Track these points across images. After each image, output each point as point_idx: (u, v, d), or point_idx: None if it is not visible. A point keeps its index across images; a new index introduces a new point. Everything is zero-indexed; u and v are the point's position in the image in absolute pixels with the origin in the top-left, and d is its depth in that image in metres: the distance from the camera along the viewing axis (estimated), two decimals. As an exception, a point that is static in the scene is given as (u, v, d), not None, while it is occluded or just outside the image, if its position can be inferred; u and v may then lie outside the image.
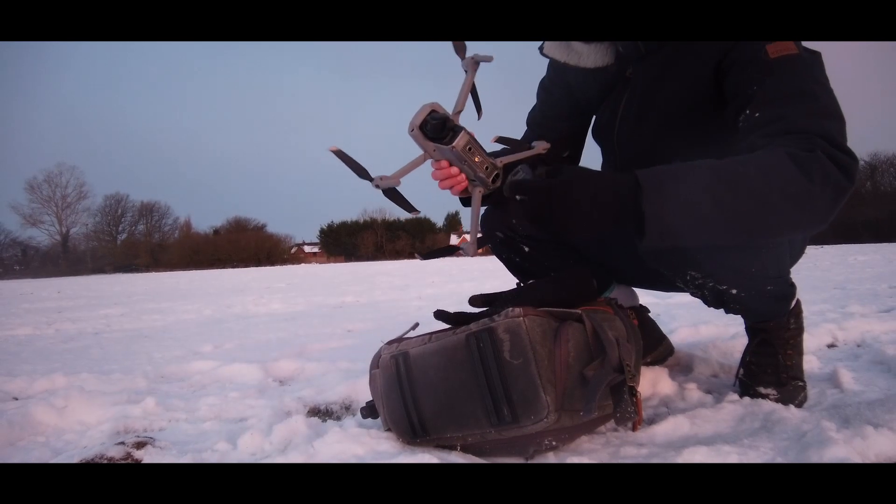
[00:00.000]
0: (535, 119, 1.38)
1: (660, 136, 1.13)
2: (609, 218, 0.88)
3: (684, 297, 1.21)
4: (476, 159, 1.04)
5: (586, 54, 1.18)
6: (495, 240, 1.34)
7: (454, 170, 1.05)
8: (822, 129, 0.90)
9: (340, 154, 1.00)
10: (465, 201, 1.21)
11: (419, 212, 1.07)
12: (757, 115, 0.96)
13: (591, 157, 1.39)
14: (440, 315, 1.02)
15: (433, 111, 1.00)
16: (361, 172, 1.00)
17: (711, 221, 0.86)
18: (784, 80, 0.95)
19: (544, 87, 1.36)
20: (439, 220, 60.43)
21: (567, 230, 0.90)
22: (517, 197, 0.93)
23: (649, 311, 1.53)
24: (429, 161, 1.05)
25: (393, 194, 1.02)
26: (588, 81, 1.25)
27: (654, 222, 0.85)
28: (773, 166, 0.86)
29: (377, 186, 1.00)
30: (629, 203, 0.86)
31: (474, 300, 1.02)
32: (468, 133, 1.02)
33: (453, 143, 1.00)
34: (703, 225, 0.87)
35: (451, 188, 1.09)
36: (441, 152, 1.03)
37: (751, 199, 0.86)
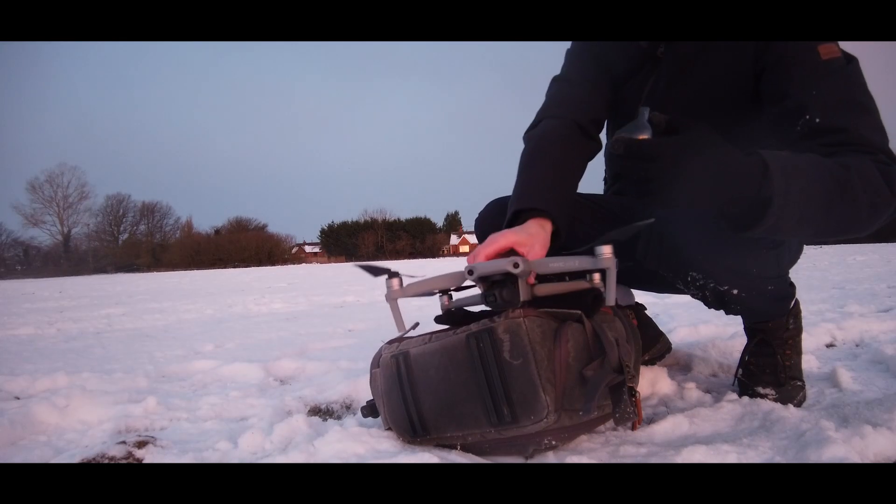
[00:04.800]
0: (576, 75, 1.25)
1: None
2: (729, 197, 0.82)
3: (683, 297, 1.21)
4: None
5: None
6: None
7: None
8: (883, 144, 0.91)
9: (364, 266, 1.10)
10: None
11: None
12: (817, 121, 0.94)
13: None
14: (441, 319, 1.03)
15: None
16: (380, 271, 1.07)
17: (816, 219, 0.85)
18: (841, 88, 0.94)
19: (575, 54, 1.28)
20: (439, 221, 60.48)
21: (677, 201, 0.82)
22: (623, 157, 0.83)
23: (646, 309, 1.53)
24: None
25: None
26: (618, 56, 1.20)
27: (776, 212, 0.81)
28: (869, 174, 0.87)
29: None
30: (756, 187, 0.81)
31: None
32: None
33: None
34: (809, 222, 0.85)
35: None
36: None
37: (851, 204, 0.86)
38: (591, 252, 0.93)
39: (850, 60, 0.97)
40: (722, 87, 1.07)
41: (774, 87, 1.00)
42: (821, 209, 0.84)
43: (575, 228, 1.18)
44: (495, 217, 1.30)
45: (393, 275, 1.06)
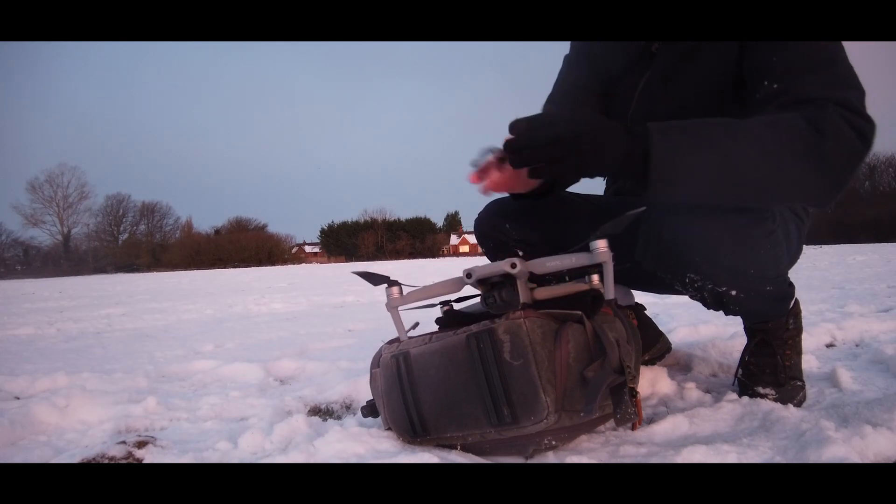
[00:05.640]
0: (562, 91, 1.31)
1: (676, 117, 1.13)
2: (614, 155, 0.86)
3: (683, 297, 1.21)
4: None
5: None
6: (488, 245, 1.34)
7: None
8: (838, 97, 0.90)
9: (363, 275, 1.11)
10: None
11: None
12: (775, 86, 0.96)
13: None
14: (441, 321, 1.03)
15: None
16: (381, 280, 1.07)
17: (716, 174, 0.87)
18: (803, 52, 0.95)
19: (570, 60, 1.33)
20: (439, 221, 60.51)
21: (570, 168, 0.86)
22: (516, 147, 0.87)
23: (645, 309, 1.53)
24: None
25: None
26: (614, 55, 1.22)
27: (658, 165, 0.85)
28: (785, 122, 0.87)
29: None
30: (636, 143, 0.86)
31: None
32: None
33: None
34: (708, 177, 0.87)
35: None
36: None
37: (758, 152, 0.86)
38: (586, 248, 0.94)
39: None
40: (715, 79, 1.08)
41: (752, 65, 1.02)
42: (719, 159, 0.86)
43: (575, 229, 1.18)
44: (494, 217, 1.30)
45: (393, 283, 1.06)
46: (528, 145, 0.85)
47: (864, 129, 0.88)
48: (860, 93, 0.92)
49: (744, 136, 0.87)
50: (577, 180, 1.03)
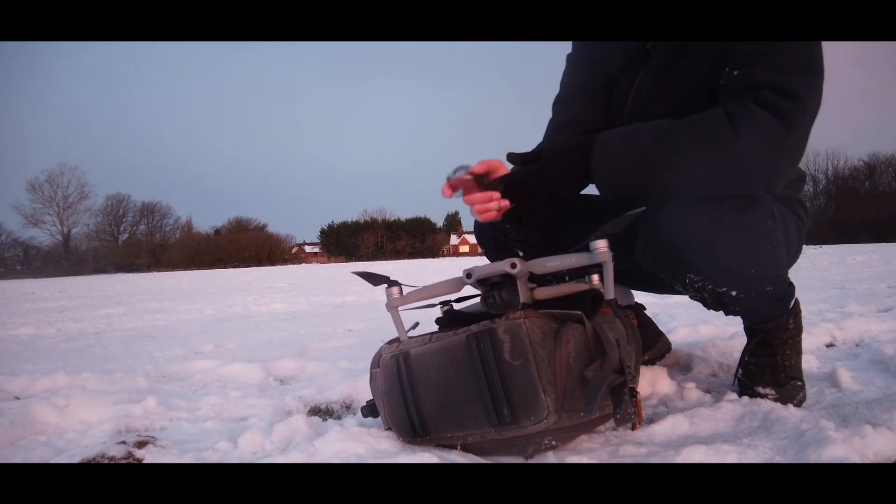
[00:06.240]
0: (567, 91, 1.34)
1: (669, 115, 1.13)
2: (572, 179, 1.04)
3: (683, 297, 1.21)
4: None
5: None
6: (488, 246, 1.34)
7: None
8: (772, 81, 0.93)
9: (363, 275, 1.13)
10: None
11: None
12: (735, 72, 1.00)
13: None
14: (441, 321, 1.03)
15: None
16: (381, 280, 1.08)
17: (640, 172, 0.97)
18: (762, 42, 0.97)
19: (573, 60, 1.35)
20: (439, 221, 60.52)
21: (546, 203, 1.03)
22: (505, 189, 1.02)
23: (645, 309, 1.53)
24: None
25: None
26: (612, 55, 1.23)
27: (596, 169, 1.00)
28: (703, 119, 0.95)
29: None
30: (584, 162, 1.01)
31: None
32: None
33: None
34: (636, 176, 0.98)
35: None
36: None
37: (675, 151, 0.94)
38: (586, 248, 0.94)
39: None
40: (709, 76, 1.08)
41: (724, 59, 1.04)
42: (641, 156, 0.97)
43: (575, 229, 1.18)
44: (488, 223, 1.30)
45: (393, 283, 1.06)
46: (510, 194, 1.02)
47: (787, 110, 0.90)
48: (811, 75, 0.94)
49: (665, 137, 0.96)
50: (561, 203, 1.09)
